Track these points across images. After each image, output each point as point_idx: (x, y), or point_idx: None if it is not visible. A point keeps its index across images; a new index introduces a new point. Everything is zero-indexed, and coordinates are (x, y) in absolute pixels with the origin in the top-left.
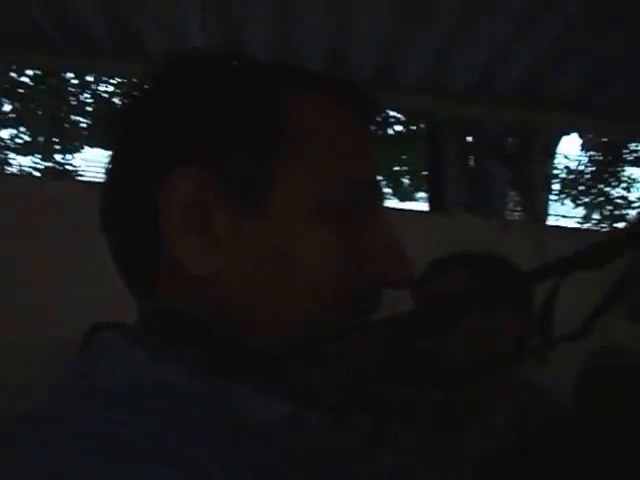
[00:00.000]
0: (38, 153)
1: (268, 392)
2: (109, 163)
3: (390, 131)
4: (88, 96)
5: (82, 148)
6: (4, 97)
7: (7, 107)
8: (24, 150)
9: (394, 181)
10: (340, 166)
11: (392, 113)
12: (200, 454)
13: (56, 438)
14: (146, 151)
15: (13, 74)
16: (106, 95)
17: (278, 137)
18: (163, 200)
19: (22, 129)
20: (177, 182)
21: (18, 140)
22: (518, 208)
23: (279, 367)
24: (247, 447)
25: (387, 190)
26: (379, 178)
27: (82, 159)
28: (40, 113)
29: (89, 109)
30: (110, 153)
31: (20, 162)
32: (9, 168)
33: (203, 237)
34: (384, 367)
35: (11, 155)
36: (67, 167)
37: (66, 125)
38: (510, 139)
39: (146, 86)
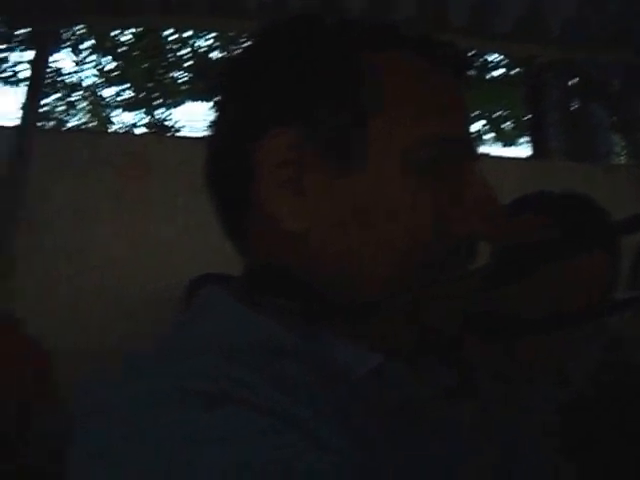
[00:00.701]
0: (140, 109)
1: (358, 344)
2: (211, 120)
3: (491, 75)
4: (186, 52)
5: (182, 103)
6: (107, 55)
7: (111, 65)
8: (128, 107)
9: (496, 127)
10: (432, 121)
11: (493, 57)
12: (294, 404)
13: (149, 391)
14: (243, 109)
15: (114, 32)
16: (204, 50)
17: (370, 95)
18: (259, 158)
19: (125, 86)
20: (272, 140)
21: (122, 97)
22: (623, 153)
23: (369, 320)
24: (337, 397)
25: (489, 136)
26: (482, 123)
27: (182, 114)
28: (141, 70)
29: (188, 64)
30: (211, 110)
31: (124, 119)
32: (112, 126)
33: (296, 194)
34: (467, 318)
35: (115, 112)
36: (168, 122)
37: (166, 81)
38: (614, 81)
39: (244, 46)
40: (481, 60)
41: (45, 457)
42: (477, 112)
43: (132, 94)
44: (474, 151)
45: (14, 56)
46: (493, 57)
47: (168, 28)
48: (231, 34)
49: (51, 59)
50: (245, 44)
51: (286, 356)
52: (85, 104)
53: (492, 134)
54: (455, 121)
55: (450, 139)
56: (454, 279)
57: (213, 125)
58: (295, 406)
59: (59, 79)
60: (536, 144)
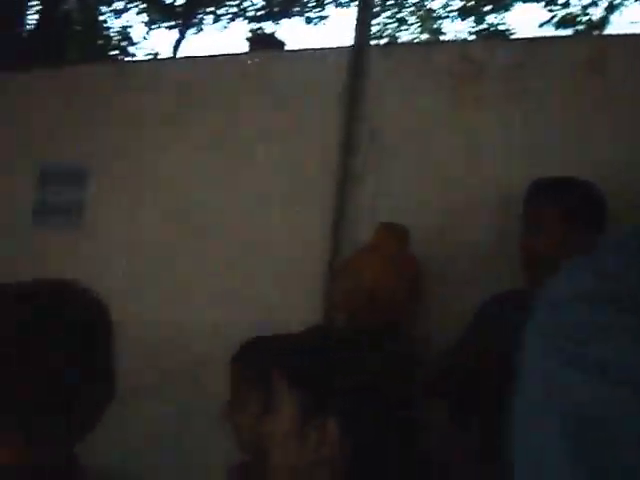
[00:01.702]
0: (470, 17)
1: None
2: None
3: None
4: None
5: (512, 5)
6: None
7: None
8: (457, 16)
9: None
10: None
11: None
12: None
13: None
14: None
15: None
16: None
17: None
18: None
19: None
20: None
21: (450, 8)
22: None
23: None
24: None
25: None
26: None
27: (513, 17)
28: None
29: None
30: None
31: (454, 29)
32: (442, 37)
33: None
34: None
35: (445, 23)
36: (499, 27)
37: None
38: None
39: None
40: None
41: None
42: None
43: (461, 3)
44: None
45: None
46: None
47: None
48: None
49: None
50: None
51: None
52: (415, 18)
53: None
54: None
55: None
56: None
57: None
58: None
59: None
60: None
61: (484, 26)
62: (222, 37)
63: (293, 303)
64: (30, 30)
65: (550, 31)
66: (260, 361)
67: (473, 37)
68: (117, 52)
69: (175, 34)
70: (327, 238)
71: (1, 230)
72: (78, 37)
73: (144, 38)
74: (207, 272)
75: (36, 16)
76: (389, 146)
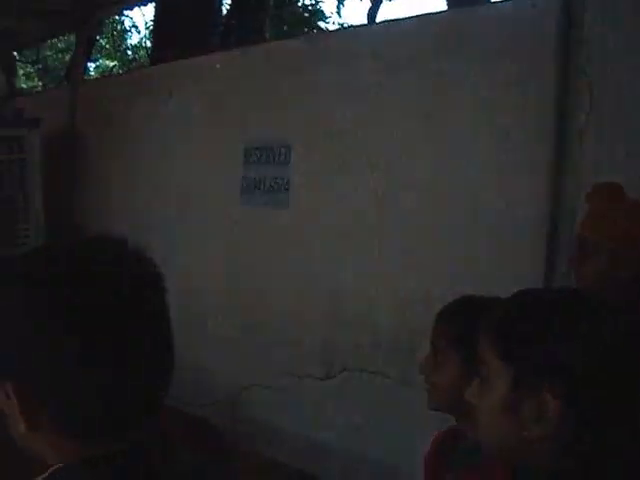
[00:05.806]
0: None
1: None
2: None
3: None
4: None
5: None
6: None
7: None
8: None
9: None
10: None
11: None
12: None
13: None
14: None
15: None
16: None
17: None
18: None
19: None
20: None
21: None
22: None
23: None
24: None
25: None
26: None
27: None
28: None
29: None
30: None
31: None
32: None
33: None
34: None
35: None
36: None
37: None
38: None
39: None
40: None
41: None
42: None
43: None
44: None
45: None
46: None
47: None
48: None
49: None
50: None
51: None
52: None
53: None
54: None
55: None
56: None
57: None
58: None
59: None
60: None
61: None
62: (417, 3)
63: (512, 270)
64: (227, 12)
65: None
66: (466, 322)
67: None
68: (308, 29)
69: (367, 4)
70: (544, 201)
71: (211, 210)
72: (272, 15)
73: (337, 12)
74: (415, 248)
75: None
76: (611, 103)
